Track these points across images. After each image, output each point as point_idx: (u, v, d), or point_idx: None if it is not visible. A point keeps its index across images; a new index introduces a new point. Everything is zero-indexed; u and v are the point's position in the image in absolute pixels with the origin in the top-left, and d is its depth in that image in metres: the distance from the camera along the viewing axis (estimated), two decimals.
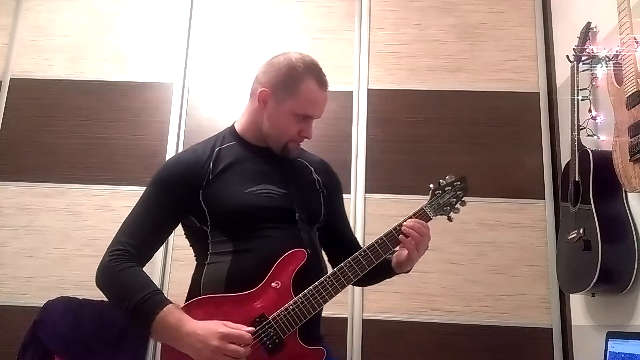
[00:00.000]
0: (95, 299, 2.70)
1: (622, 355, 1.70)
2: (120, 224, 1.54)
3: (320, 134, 2.84)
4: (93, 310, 2.65)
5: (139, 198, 1.59)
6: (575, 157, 2.22)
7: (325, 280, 1.46)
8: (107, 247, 1.50)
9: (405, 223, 1.54)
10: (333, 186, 1.75)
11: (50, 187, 2.90)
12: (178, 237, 2.76)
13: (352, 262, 1.49)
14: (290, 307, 1.42)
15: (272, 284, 1.44)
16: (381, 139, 2.87)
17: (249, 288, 1.45)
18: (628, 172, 1.86)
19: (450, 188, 1.63)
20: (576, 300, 2.47)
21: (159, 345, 2.68)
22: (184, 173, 1.55)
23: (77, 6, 3.15)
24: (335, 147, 2.82)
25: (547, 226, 2.72)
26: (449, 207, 1.62)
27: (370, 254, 1.50)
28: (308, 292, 1.44)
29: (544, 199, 2.75)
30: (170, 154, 2.89)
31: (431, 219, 1.59)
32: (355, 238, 1.83)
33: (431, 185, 1.64)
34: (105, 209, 2.86)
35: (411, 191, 2.76)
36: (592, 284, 2.00)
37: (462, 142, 2.85)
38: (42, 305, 2.62)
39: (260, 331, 1.40)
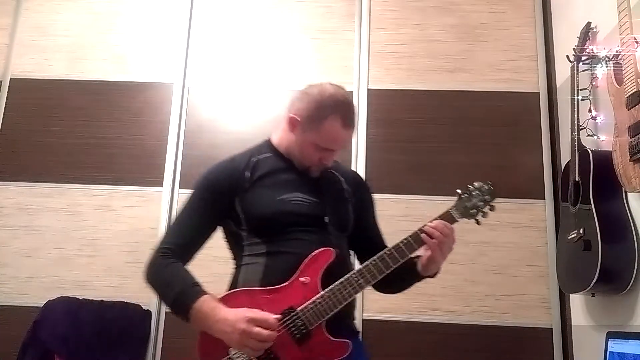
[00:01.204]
0: (95, 299, 2.70)
1: (622, 355, 1.70)
2: (170, 224, 1.73)
3: None
4: (93, 310, 2.66)
5: (185, 202, 1.70)
6: (575, 157, 2.22)
7: (351, 276, 1.54)
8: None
9: (429, 223, 1.59)
10: (363, 196, 1.84)
11: (50, 187, 2.90)
12: None
13: (377, 260, 1.56)
14: (317, 300, 1.51)
15: (301, 279, 1.54)
16: (381, 139, 2.87)
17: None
18: (628, 172, 1.86)
19: (477, 192, 1.67)
20: (576, 300, 2.47)
21: (159, 345, 2.70)
22: (222, 180, 1.67)
23: (77, 6, 3.15)
24: None
25: (547, 226, 2.72)
26: (475, 210, 1.66)
27: (395, 252, 1.57)
28: (334, 287, 1.52)
29: (544, 199, 2.75)
30: (170, 153, 2.90)
31: (457, 220, 1.63)
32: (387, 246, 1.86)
33: (459, 190, 1.67)
34: (105, 209, 2.86)
35: (411, 191, 2.76)
36: (592, 284, 2.00)
37: (462, 142, 2.85)
38: (42, 305, 2.62)
39: (288, 321, 1.49)
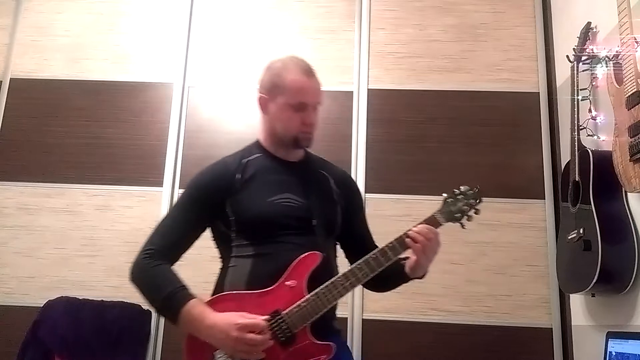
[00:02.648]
0: (95, 299, 2.70)
1: (622, 355, 1.70)
2: (156, 225, 1.67)
3: (321, 134, 2.81)
4: (93, 310, 2.66)
5: (174, 203, 1.73)
6: (575, 157, 2.22)
7: (337, 280, 1.55)
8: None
9: (413, 228, 1.60)
10: (352, 197, 1.84)
11: (50, 187, 2.90)
12: None
13: (362, 264, 1.57)
14: (302, 304, 1.52)
15: (287, 283, 1.55)
16: (381, 139, 2.87)
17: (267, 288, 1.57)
18: (628, 172, 1.86)
19: (462, 196, 1.66)
20: (576, 300, 2.47)
21: (159, 345, 2.69)
22: (212, 183, 1.68)
23: (77, 6, 3.15)
24: (335, 147, 2.81)
25: (547, 226, 2.72)
26: (460, 214, 1.65)
27: (380, 256, 1.58)
28: (319, 291, 1.53)
29: (544, 199, 2.75)
30: (170, 153, 2.90)
31: (441, 224, 1.63)
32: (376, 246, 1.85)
33: (444, 194, 1.67)
34: (105, 209, 2.86)
35: (411, 191, 2.76)
36: (592, 284, 2.00)
37: (462, 142, 2.85)
38: (42, 305, 2.62)
39: (274, 324, 1.51)
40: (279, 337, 1.50)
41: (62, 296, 2.67)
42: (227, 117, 2.96)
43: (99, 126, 2.96)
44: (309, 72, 1.69)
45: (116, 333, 2.62)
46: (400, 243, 1.59)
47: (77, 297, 2.69)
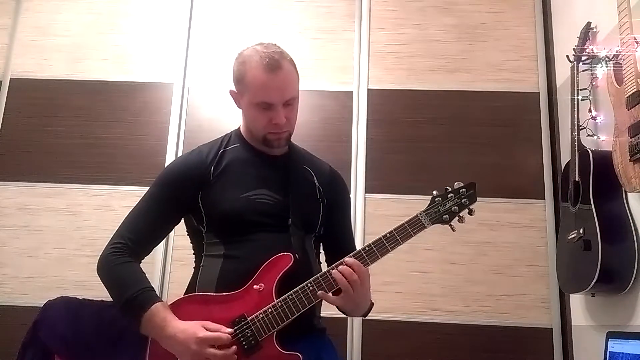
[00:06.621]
0: (95, 298, 2.70)
1: (622, 355, 1.70)
2: (124, 218, 1.61)
3: (320, 134, 2.86)
4: (93, 310, 2.65)
5: (143, 194, 1.64)
6: (575, 157, 2.22)
7: (306, 285, 1.46)
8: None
9: (339, 265, 1.46)
10: (337, 197, 1.71)
11: (50, 187, 2.90)
12: (178, 237, 2.79)
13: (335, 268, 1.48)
14: (269, 310, 1.44)
15: (255, 287, 1.46)
16: (381, 139, 2.87)
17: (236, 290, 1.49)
18: (628, 172, 1.86)
19: (453, 195, 1.52)
20: (576, 300, 2.47)
21: None
22: (185, 174, 1.59)
23: (77, 6, 3.15)
24: (335, 147, 2.82)
25: (547, 226, 2.72)
26: (448, 216, 1.51)
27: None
28: (288, 297, 1.45)
29: (544, 199, 2.75)
30: (170, 153, 2.90)
31: (426, 227, 1.50)
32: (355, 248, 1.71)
33: (435, 192, 1.54)
34: (105, 209, 2.86)
35: (411, 191, 2.76)
36: (592, 284, 2.00)
37: (462, 142, 2.85)
38: (42, 305, 2.62)
39: (237, 331, 1.43)
40: (242, 344, 1.42)
41: (62, 296, 2.67)
42: (227, 117, 2.95)
43: (99, 126, 2.96)
44: (273, 66, 1.53)
45: (116, 333, 2.61)
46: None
47: (77, 297, 2.69)
